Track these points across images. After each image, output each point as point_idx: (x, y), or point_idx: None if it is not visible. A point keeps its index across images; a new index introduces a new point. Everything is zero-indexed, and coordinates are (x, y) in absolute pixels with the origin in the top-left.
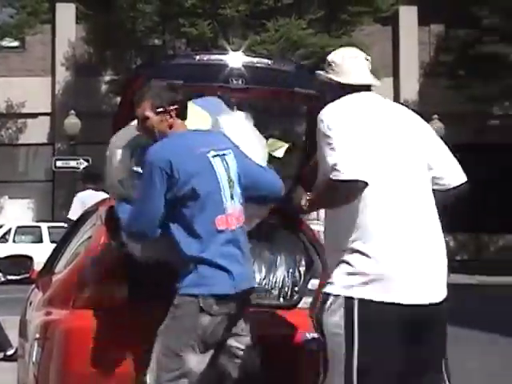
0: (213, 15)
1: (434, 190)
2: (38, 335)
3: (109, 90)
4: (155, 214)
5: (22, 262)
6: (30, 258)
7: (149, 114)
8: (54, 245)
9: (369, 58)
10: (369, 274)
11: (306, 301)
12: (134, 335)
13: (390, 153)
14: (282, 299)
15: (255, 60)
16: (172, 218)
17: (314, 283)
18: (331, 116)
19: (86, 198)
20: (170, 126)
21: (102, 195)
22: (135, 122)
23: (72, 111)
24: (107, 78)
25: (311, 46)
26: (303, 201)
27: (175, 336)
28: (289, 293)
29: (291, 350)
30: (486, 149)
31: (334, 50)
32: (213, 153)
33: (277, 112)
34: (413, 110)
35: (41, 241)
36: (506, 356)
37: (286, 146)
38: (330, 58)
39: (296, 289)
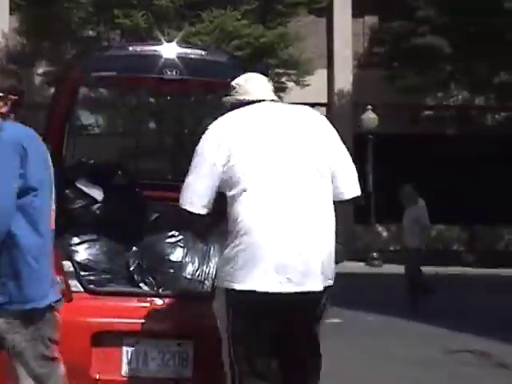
0: (147, 6)
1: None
2: None
3: (43, 81)
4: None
5: None
6: None
7: None
8: None
9: (269, 80)
10: (235, 265)
11: None
12: (68, 326)
13: (271, 158)
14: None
15: (189, 51)
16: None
17: None
18: (210, 135)
19: None
20: (2, 117)
21: None
22: None
23: None
24: (42, 70)
25: (246, 36)
26: None
27: None
28: None
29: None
30: (419, 139)
31: (268, 40)
32: None
33: (211, 103)
34: (347, 100)
35: None
36: None
37: None
38: (233, 82)
39: None
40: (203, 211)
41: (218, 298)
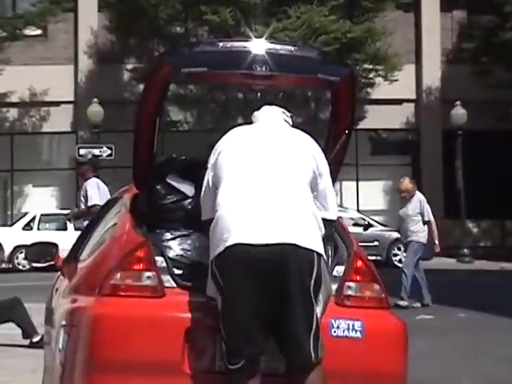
0: (235, 2)
1: None
2: (64, 322)
3: (132, 77)
4: None
5: (47, 249)
6: (56, 245)
7: None
8: (79, 232)
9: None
10: (212, 242)
11: (332, 287)
12: (161, 321)
13: (251, 162)
14: None
15: (278, 47)
16: None
17: (338, 270)
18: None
19: (102, 186)
20: None
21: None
22: None
23: (95, 99)
24: (130, 66)
25: (333, 32)
26: None
27: None
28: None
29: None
30: (509, 135)
31: (355, 35)
32: None
33: (301, 99)
34: (435, 96)
35: (65, 228)
36: None
37: None
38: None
39: None
40: None
41: (209, 284)
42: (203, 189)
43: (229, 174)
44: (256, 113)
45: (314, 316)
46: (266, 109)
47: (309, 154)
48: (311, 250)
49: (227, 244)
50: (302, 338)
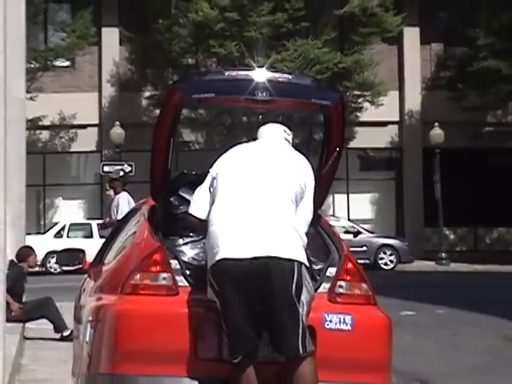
0: (239, 37)
1: None
2: (90, 318)
3: (149, 103)
4: None
5: (75, 255)
6: (83, 251)
7: None
8: (103, 240)
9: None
10: (212, 249)
11: (325, 286)
12: (175, 316)
13: (245, 176)
14: None
15: (277, 75)
16: None
17: (331, 271)
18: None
19: (129, 198)
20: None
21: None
22: None
23: (117, 122)
24: (147, 93)
25: (326, 62)
26: None
27: None
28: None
29: (312, 328)
30: (481, 152)
31: (346, 65)
32: None
33: (297, 121)
34: (416, 119)
35: (91, 236)
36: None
37: None
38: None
39: (317, 276)
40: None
41: (208, 289)
42: (201, 187)
43: (223, 191)
44: (261, 128)
45: (299, 317)
46: (269, 126)
47: (298, 171)
48: (291, 260)
49: (216, 258)
50: (290, 338)
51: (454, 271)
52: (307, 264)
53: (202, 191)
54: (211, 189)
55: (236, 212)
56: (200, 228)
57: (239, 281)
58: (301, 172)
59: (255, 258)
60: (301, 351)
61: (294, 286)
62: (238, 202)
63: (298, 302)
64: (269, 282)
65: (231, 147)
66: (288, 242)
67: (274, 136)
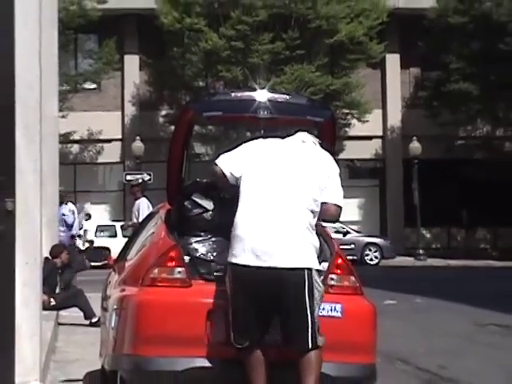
0: (243, 63)
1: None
2: (115, 307)
3: (165, 120)
4: None
5: (102, 252)
6: (108, 249)
7: None
8: (126, 239)
9: None
10: (231, 248)
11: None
12: (188, 305)
13: (267, 179)
14: None
15: (276, 96)
16: None
17: (324, 265)
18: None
19: (148, 203)
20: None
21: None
22: None
23: (137, 137)
24: (164, 112)
25: (319, 84)
26: None
27: None
28: None
29: None
30: (453, 163)
31: (336, 87)
32: None
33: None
34: (397, 133)
35: (115, 236)
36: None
37: None
38: None
39: None
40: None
41: (227, 276)
42: (231, 152)
43: (248, 195)
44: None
45: (309, 319)
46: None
47: (319, 167)
48: (303, 269)
49: (234, 261)
50: (301, 337)
51: (430, 266)
52: (318, 266)
53: (235, 154)
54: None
55: (256, 220)
56: (222, 183)
57: (252, 286)
58: (322, 167)
59: (270, 268)
60: (310, 347)
61: (306, 292)
62: (259, 209)
63: (310, 304)
64: (282, 289)
65: (253, 140)
66: (300, 250)
67: (302, 138)
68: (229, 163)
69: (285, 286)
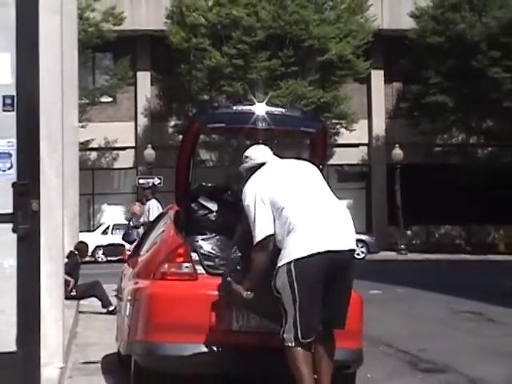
0: (243, 78)
1: None
2: (129, 297)
3: (174, 130)
4: None
5: (117, 248)
6: (123, 246)
7: None
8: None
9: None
10: (297, 244)
11: None
12: (195, 297)
13: (300, 187)
14: None
15: (273, 109)
16: None
17: None
18: (251, 188)
19: (158, 204)
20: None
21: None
22: None
23: (149, 145)
24: (173, 123)
25: (311, 98)
26: (242, 292)
27: None
28: None
29: None
30: (431, 167)
31: (326, 100)
32: None
33: (289, 144)
34: (381, 141)
35: None
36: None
37: None
38: (245, 154)
39: None
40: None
41: (281, 277)
42: (255, 208)
43: (287, 200)
44: (252, 154)
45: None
46: (258, 149)
47: (318, 174)
48: (355, 250)
49: (299, 256)
50: (345, 313)
51: (411, 259)
52: None
53: (260, 213)
54: (264, 206)
55: (314, 214)
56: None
57: (320, 272)
58: (319, 173)
59: (344, 251)
60: (344, 325)
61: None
62: (311, 209)
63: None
64: (346, 269)
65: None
66: (353, 234)
67: (270, 156)
68: (268, 226)
69: (347, 265)
